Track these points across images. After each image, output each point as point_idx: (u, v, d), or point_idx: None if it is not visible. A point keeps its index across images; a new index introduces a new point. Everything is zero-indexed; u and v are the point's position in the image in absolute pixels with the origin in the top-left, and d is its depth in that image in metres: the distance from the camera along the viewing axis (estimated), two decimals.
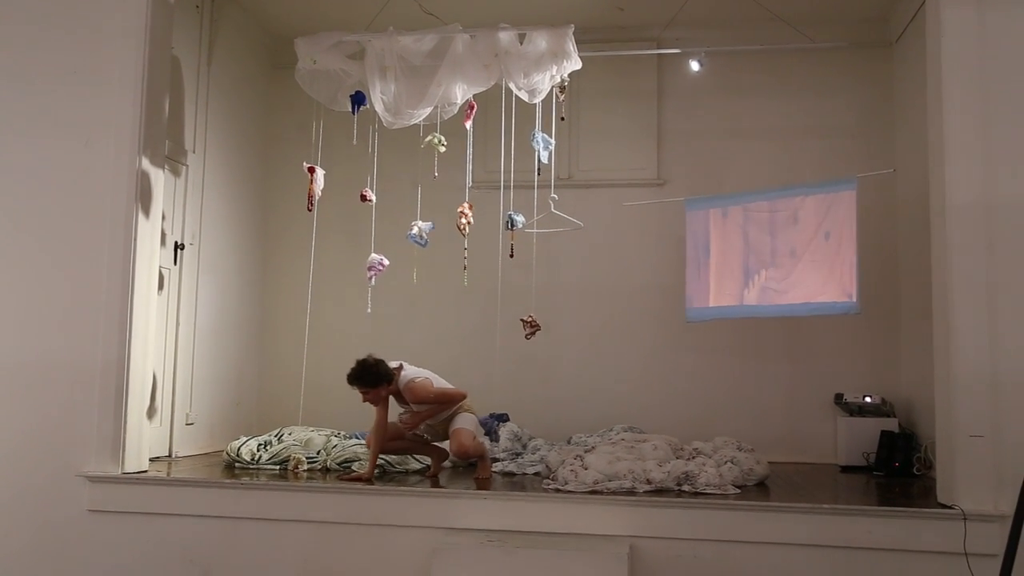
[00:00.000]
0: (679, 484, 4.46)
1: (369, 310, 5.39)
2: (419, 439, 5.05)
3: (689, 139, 6.53)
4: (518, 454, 5.47)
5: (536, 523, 4.21)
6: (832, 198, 5.39)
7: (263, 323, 6.78)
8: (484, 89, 5.10)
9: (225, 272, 6.31)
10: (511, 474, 5.09)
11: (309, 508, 4.41)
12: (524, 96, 4.97)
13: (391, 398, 4.89)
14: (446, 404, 4.91)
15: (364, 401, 4.81)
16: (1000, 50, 4.16)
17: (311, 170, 5.29)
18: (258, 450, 5.23)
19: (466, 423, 4.90)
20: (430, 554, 4.09)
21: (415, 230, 5.27)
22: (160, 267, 5.17)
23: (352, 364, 4.74)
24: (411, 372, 4.89)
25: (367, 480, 4.64)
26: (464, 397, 4.98)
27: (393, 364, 4.83)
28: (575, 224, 5.44)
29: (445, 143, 5.17)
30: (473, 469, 5.29)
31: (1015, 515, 3.28)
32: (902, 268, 6.02)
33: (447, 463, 5.18)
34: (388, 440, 4.90)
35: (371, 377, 4.71)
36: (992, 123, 4.13)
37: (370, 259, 5.35)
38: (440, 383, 4.96)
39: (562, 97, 5.06)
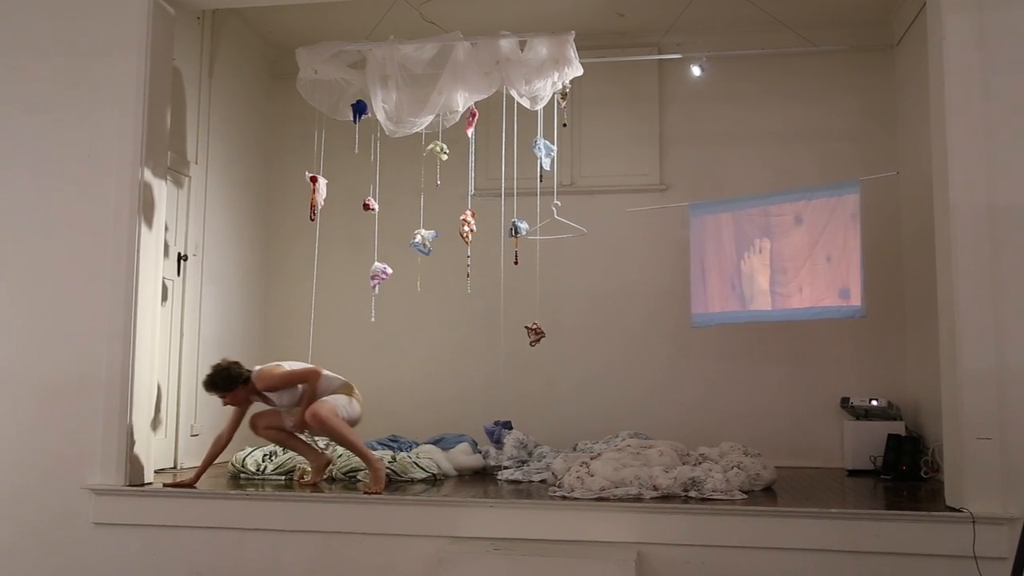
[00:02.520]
0: (686, 490, 4.45)
1: (373, 319, 5.39)
2: (301, 442, 5.00)
3: (691, 144, 6.52)
4: (524, 462, 5.45)
5: (542, 531, 4.20)
6: (835, 201, 5.38)
7: (267, 333, 6.78)
8: (485, 96, 5.10)
9: (228, 283, 6.31)
10: (517, 482, 5.08)
11: (315, 518, 4.40)
12: (526, 103, 4.97)
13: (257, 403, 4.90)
14: (294, 381, 4.80)
15: (225, 405, 4.84)
16: (1002, 52, 4.15)
17: (313, 179, 5.29)
18: (263, 460, 5.23)
19: (335, 400, 4.77)
20: (436, 563, 4.08)
21: (418, 238, 5.27)
22: (164, 278, 5.18)
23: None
24: (260, 365, 4.86)
25: (190, 485, 4.64)
26: (316, 374, 4.81)
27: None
28: (578, 231, 5.44)
29: (447, 151, 5.17)
30: (478, 478, 5.29)
31: None
32: (907, 271, 6.01)
33: (330, 470, 5.08)
34: (269, 428, 4.87)
35: (224, 380, 4.69)
36: (994, 124, 4.12)
37: (373, 268, 5.35)
38: (290, 367, 4.86)
39: (564, 104, 5.06)
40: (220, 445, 4.82)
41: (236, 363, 4.77)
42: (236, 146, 6.44)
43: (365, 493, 4.49)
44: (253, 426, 4.90)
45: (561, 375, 6.42)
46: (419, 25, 5.61)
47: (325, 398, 4.77)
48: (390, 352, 6.64)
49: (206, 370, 4.76)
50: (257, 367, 4.83)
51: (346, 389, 4.91)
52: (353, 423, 4.83)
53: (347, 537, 4.35)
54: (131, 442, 4.58)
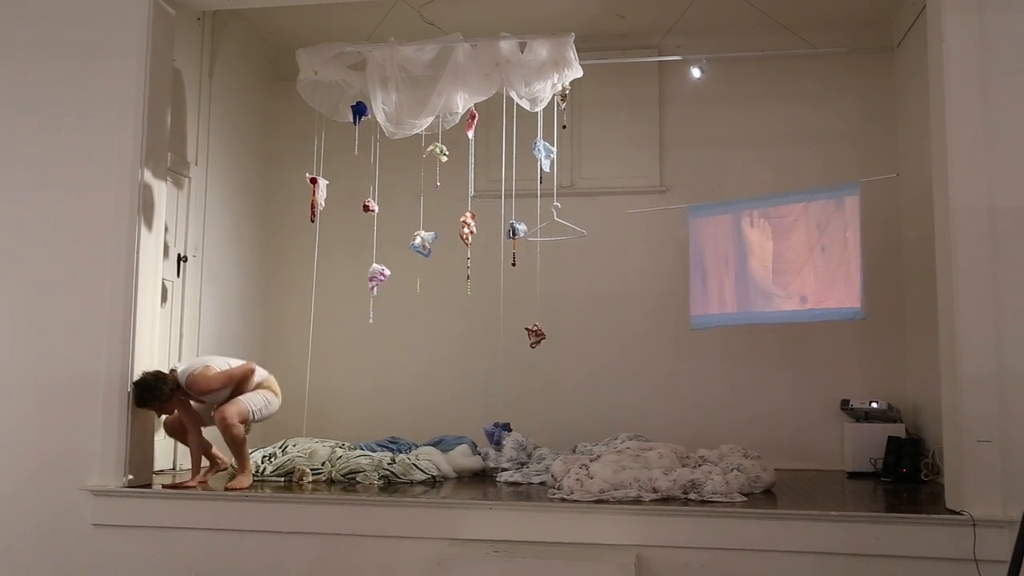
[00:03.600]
0: (685, 492, 4.44)
1: (371, 320, 5.38)
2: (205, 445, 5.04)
3: (691, 146, 6.52)
4: (523, 464, 5.45)
5: (542, 533, 4.19)
6: (835, 203, 5.37)
7: (267, 334, 6.78)
8: (485, 98, 5.10)
9: (228, 284, 6.31)
10: (516, 484, 5.07)
11: (314, 520, 4.39)
12: (525, 105, 4.97)
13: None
14: (234, 383, 4.83)
15: (160, 415, 4.82)
16: (1001, 54, 4.15)
17: (313, 181, 5.30)
18: (263, 462, 5.22)
19: (248, 400, 4.83)
20: (436, 565, 4.08)
21: (418, 240, 5.27)
22: (163, 279, 5.18)
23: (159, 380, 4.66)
24: (185, 367, 4.80)
25: (190, 485, 4.66)
26: (251, 369, 4.90)
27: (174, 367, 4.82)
28: (578, 232, 5.44)
29: (447, 153, 5.17)
30: (478, 480, 5.28)
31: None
32: (907, 272, 6.00)
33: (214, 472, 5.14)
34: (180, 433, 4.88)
35: (161, 392, 4.60)
36: (994, 126, 4.12)
37: (372, 269, 5.35)
38: (220, 365, 4.88)
39: (563, 105, 5.07)
40: (197, 448, 4.88)
41: (159, 372, 4.69)
42: (236, 147, 6.44)
43: (226, 489, 4.62)
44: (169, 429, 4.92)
45: (561, 377, 6.42)
46: (419, 27, 5.61)
47: (239, 397, 4.83)
48: (389, 354, 6.64)
49: (139, 388, 4.59)
50: (183, 369, 4.77)
51: (267, 384, 4.99)
52: (264, 419, 4.97)
53: (346, 539, 4.34)
54: (130, 443, 4.57)
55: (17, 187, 4.78)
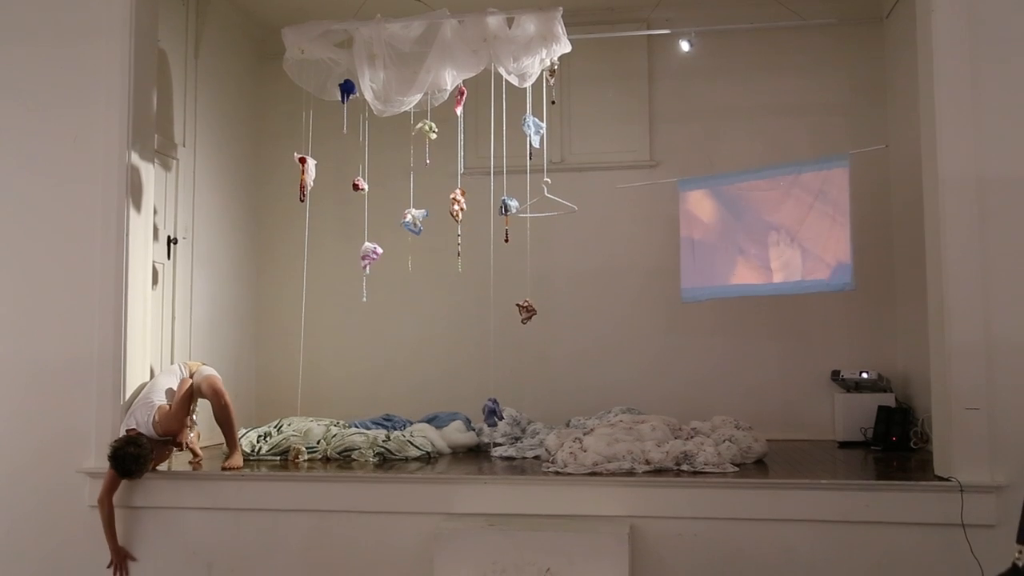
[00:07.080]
0: (678, 464, 4.49)
1: (364, 298, 5.39)
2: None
3: (681, 120, 6.51)
4: (517, 438, 5.49)
5: (536, 506, 4.24)
6: (825, 175, 5.38)
7: (259, 315, 6.78)
8: (474, 74, 5.08)
9: (219, 265, 6.30)
10: (511, 458, 5.11)
11: (310, 497, 4.44)
12: (514, 80, 4.95)
13: None
14: (188, 401, 4.70)
15: (153, 470, 4.51)
16: (989, 24, 4.16)
17: (302, 160, 5.27)
18: (258, 441, 5.24)
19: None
20: (431, 539, 4.13)
21: (408, 217, 5.26)
22: (154, 262, 5.17)
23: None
24: (141, 419, 4.50)
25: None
26: (188, 383, 4.73)
27: (129, 425, 4.51)
28: (568, 208, 5.43)
29: (436, 130, 5.15)
30: (472, 455, 5.32)
31: None
32: (896, 243, 6.03)
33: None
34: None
35: (144, 456, 4.34)
36: (983, 97, 4.14)
37: (364, 248, 5.35)
38: (161, 387, 4.69)
39: (552, 80, 5.04)
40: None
41: (128, 436, 4.41)
42: (224, 128, 6.40)
43: (223, 469, 4.60)
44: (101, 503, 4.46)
45: (553, 352, 6.44)
46: (406, 3, 5.55)
47: (211, 371, 4.89)
48: (382, 331, 6.65)
49: (124, 463, 4.30)
50: (140, 422, 4.47)
51: (204, 372, 4.92)
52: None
53: (343, 515, 4.38)
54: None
55: (2, 172, 4.75)
